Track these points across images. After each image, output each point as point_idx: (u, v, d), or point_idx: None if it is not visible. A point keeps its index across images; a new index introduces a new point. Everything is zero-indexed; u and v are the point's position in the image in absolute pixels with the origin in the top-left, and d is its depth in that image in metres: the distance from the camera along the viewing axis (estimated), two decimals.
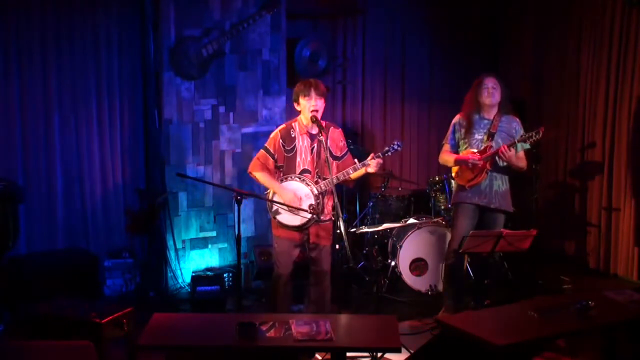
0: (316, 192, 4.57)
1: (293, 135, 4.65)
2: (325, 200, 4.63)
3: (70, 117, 5.79)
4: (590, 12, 6.50)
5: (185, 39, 5.86)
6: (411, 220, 6.06)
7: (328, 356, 4.26)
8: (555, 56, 6.93)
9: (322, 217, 4.62)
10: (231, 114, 6.15)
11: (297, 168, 4.63)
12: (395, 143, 4.64)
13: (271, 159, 4.65)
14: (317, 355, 4.47)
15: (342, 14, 7.00)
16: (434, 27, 7.40)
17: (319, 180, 4.61)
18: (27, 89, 5.59)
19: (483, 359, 3.51)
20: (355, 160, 4.64)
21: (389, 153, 4.63)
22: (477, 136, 5.05)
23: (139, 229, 6.00)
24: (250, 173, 4.74)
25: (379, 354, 4.34)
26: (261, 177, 4.67)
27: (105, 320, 3.97)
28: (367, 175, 6.82)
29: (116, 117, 5.99)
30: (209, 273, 5.83)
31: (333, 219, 4.61)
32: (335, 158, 4.69)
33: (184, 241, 6.08)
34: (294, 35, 6.52)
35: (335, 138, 4.71)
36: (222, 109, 6.12)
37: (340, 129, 4.82)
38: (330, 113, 7.04)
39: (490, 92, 4.96)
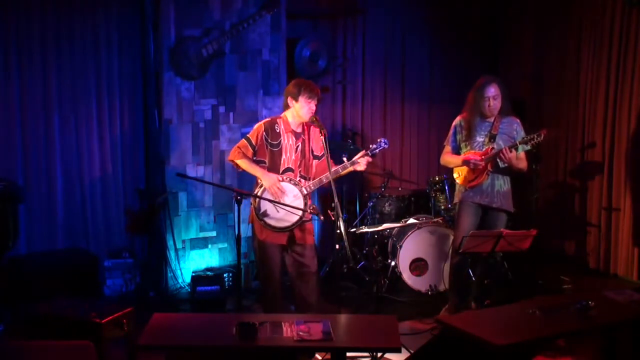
0: (305, 192, 4.57)
1: (278, 131, 4.62)
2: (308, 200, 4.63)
3: (70, 117, 5.79)
4: (590, 12, 6.50)
5: (185, 39, 5.86)
6: (411, 220, 6.06)
7: (328, 356, 4.26)
8: (555, 56, 6.93)
9: (304, 217, 4.59)
10: (231, 114, 6.15)
11: (281, 166, 4.61)
12: (382, 141, 4.64)
13: (251, 150, 4.62)
14: (317, 355, 4.46)
15: (342, 14, 7.00)
16: (434, 27, 7.40)
17: (301, 180, 4.61)
18: (27, 89, 5.59)
19: (483, 359, 3.51)
20: (344, 158, 4.62)
21: (376, 151, 4.63)
22: (479, 138, 5.06)
23: (139, 229, 6.00)
24: (232, 161, 4.68)
25: (379, 354, 4.34)
26: (243, 163, 4.62)
27: (105, 320, 3.97)
28: (367, 175, 6.91)
29: (116, 117, 5.99)
30: (209, 273, 5.83)
31: (318, 216, 4.58)
32: (315, 157, 4.69)
33: (184, 241, 6.08)
34: (294, 35, 6.52)
35: (316, 137, 4.68)
36: (222, 109, 6.12)
37: (319, 128, 4.80)
38: (330, 113, 7.06)
39: (492, 105, 4.97)
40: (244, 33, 6.04)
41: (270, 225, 4.56)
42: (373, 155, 4.61)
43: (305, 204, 4.55)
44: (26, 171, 5.65)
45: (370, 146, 4.64)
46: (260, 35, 6.16)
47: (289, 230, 4.58)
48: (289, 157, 4.62)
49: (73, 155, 5.84)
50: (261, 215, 4.56)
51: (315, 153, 4.69)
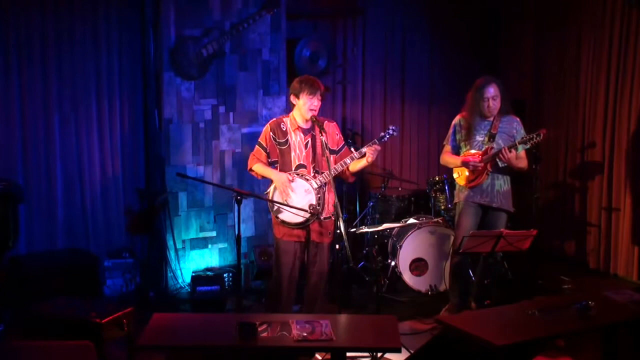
0: (316, 186, 4.57)
1: (284, 129, 4.64)
2: (326, 196, 4.62)
3: (70, 117, 5.79)
4: (590, 12, 6.50)
5: (185, 39, 5.86)
6: (411, 220, 6.06)
7: (328, 356, 4.26)
8: (555, 56, 6.92)
9: (323, 214, 4.60)
10: (231, 114, 6.15)
11: (292, 163, 4.62)
12: (391, 128, 4.63)
13: (264, 152, 4.67)
14: (317, 355, 4.47)
15: (342, 14, 7.00)
16: (434, 27, 7.40)
17: (316, 175, 4.61)
18: (27, 89, 5.59)
19: (483, 359, 3.51)
20: (352, 149, 4.63)
21: (386, 138, 4.59)
22: (478, 137, 5.06)
23: (139, 229, 6.00)
24: (251, 170, 4.75)
25: (379, 354, 4.34)
26: (258, 168, 4.69)
27: (105, 320, 3.97)
28: (366, 175, 6.91)
29: (116, 117, 5.98)
30: (209, 273, 5.82)
31: (333, 217, 4.60)
32: (332, 152, 4.68)
33: (184, 241, 6.08)
34: (294, 35, 6.52)
35: (331, 132, 4.68)
36: (222, 109, 6.12)
37: (334, 122, 4.80)
38: (330, 113, 7.05)
39: (491, 105, 4.98)
40: (244, 33, 6.04)
41: (285, 222, 4.58)
42: (380, 141, 4.56)
43: (319, 198, 4.55)
44: (26, 171, 5.65)
45: (380, 134, 4.62)
46: (260, 35, 6.15)
47: (304, 226, 4.59)
48: (298, 154, 4.62)
49: (73, 155, 5.83)
50: (275, 212, 4.59)
51: (331, 148, 4.67)
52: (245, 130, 6.17)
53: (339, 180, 4.84)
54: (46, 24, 5.59)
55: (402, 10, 7.27)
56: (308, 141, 4.65)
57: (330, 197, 4.63)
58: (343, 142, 4.77)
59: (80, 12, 5.71)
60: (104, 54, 5.85)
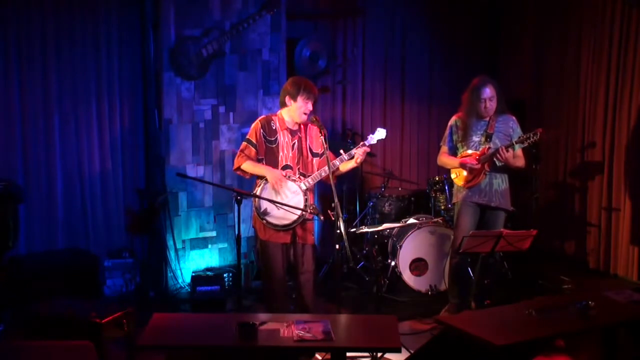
0: (305, 187, 4.56)
1: (274, 128, 4.62)
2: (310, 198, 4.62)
3: (70, 117, 5.79)
4: (590, 12, 6.50)
5: (185, 39, 5.86)
6: (411, 220, 6.06)
7: (328, 356, 4.26)
8: (555, 56, 6.93)
9: (305, 215, 4.58)
10: (231, 114, 6.16)
11: (279, 163, 4.60)
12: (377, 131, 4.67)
13: (253, 149, 4.61)
14: (317, 355, 4.47)
15: (342, 14, 7.00)
16: (434, 27, 7.40)
17: (301, 177, 4.60)
18: (27, 89, 5.59)
19: (483, 359, 3.51)
20: (341, 150, 4.61)
21: (374, 140, 4.63)
22: (475, 138, 5.06)
23: (139, 229, 6.01)
24: (237, 169, 4.66)
25: (379, 354, 4.34)
26: (247, 166, 4.60)
27: (105, 320, 3.97)
28: (366, 175, 6.91)
29: (116, 117, 5.99)
30: (209, 273, 5.83)
31: (318, 216, 4.57)
32: (315, 155, 4.68)
33: (184, 241, 6.08)
34: (294, 35, 6.52)
35: (315, 135, 4.67)
36: (222, 109, 6.12)
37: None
38: (330, 113, 7.06)
39: (488, 106, 4.97)
40: (244, 33, 6.04)
41: (272, 224, 4.55)
42: (369, 144, 4.59)
43: (306, 200, 4.54)
44: (26, 171, 5.65)
45: (369, 136, 4.64)
46: (260, 35, 6.16)
47: (291, 228, 4.57)
48: (286, 155, 4.61)
49: (73, 155, 5.83)
50: (262, 214, 4.54)
51: (314, 151, 4.68)
52: (245, 130, 6.15)
53: (336, 181, 4.81)
54: (46, 23, 5.59)
55: (402, 10, 7.28)
56: (295, 143, 4.63)
57: (310, 198, 4.63)
58: (326, 146, 4.75)
59: (80, 12, 5.72)
60: (104, 54, 5.86)
